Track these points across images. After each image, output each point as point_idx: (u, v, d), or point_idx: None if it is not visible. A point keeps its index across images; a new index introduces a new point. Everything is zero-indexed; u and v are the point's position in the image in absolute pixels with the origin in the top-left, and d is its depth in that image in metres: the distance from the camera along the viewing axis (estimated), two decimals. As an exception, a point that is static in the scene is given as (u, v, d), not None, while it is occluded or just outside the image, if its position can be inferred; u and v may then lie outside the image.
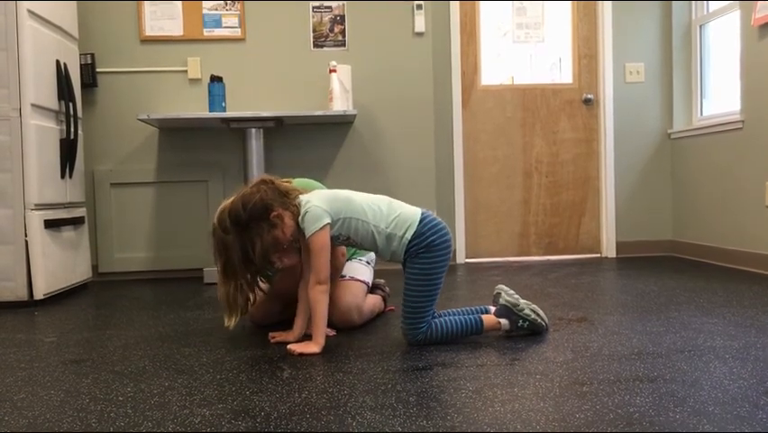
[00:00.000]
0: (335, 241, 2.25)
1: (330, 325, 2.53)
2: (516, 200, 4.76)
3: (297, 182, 2.55)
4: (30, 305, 3.30)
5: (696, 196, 4.51)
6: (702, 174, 4.42)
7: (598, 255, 4.81)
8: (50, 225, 3.45)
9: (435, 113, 4.58)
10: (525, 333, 2.36)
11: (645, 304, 2.94)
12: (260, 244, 2.16)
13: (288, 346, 2.22)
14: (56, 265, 3.50)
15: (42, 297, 3.34)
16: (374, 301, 2.76)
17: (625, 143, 4.76)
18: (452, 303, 2.94)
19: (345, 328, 2.54)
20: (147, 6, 4.34)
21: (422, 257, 2.23)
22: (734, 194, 4.07)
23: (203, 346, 2.36)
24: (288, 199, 2.21)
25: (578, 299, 3.12)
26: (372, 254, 2.84)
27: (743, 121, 3.94)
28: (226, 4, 4.40)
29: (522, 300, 2.39)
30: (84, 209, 3.98)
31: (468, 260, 4.68)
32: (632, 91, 4.76)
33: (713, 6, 4.53)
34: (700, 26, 4.65)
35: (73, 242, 3.75)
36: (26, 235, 3.30)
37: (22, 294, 3.31)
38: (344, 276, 2.70)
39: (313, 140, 4.46)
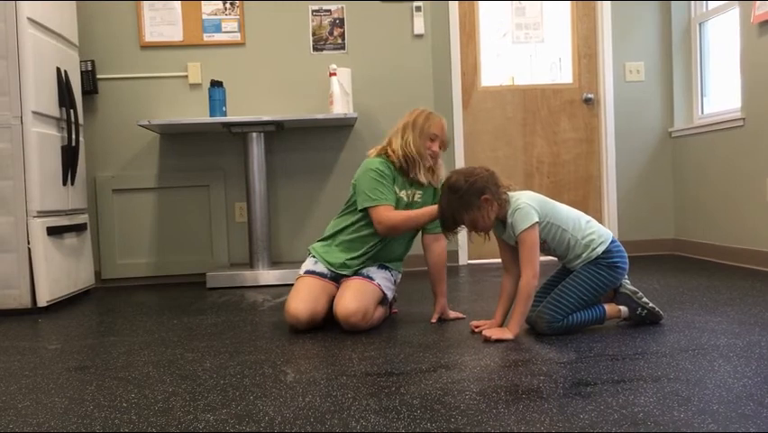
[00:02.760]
0: None
1: (336, 319, 2.55)
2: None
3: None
4: (33, 312, 3.30)
5: (698, 194, 4.51)
6: (704, 172, 4.41)
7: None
8: (53, 232, 3.45)
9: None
10: (641, 321, 2.47)
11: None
12: (464, 216, 2.31)
13: (484, 333, 2.33)
14: (59, 272, 3.50)
15: (45, 304, 3.34)
16: (383, 311, 2.72)
17: (626, 143, 4.76)
18: (454, 304, 2.93)
19: (349, 331, 2.54)
20: (146, 12, 4.35)
21: (602, 270, 2.37)
22: (736, 191, 4.06)
23: (206, 352, 2.36)
24: (499, 190, 2.33)
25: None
26: (399, 275, 2.84)
27: (744, 118, 3.93)
28: (225, 8, 4.40)
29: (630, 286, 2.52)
30: (86, 216, 3.99)
31: (470, 261, 4.68)
32: (632, 90, 4.76)
33: (712, 4, 4.53)
34: (700, 24, 4.65)
35: (76, 248, 3.76)
36: (29, 243, 3.31)
37: (25, 301, 3.31)
38: (370, 278, 2.66)
39: (314, 143, 4.46)
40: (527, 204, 2.32)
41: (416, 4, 4.49)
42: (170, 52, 4.39)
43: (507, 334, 2.31)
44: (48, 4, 3.54)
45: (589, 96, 4.78)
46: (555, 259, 2.52)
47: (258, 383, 1.93)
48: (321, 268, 2.72)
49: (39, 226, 3.34)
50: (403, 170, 2.69)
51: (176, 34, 4.39)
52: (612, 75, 4.74)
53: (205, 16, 4.40)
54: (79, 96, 3.92)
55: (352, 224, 2.73)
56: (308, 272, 2.72)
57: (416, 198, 2.71)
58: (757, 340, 2.20)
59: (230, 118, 4.07)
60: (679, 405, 1.60)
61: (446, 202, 2.34)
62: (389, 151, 2.70)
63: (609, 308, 2.45)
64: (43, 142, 3.42)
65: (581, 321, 2.39)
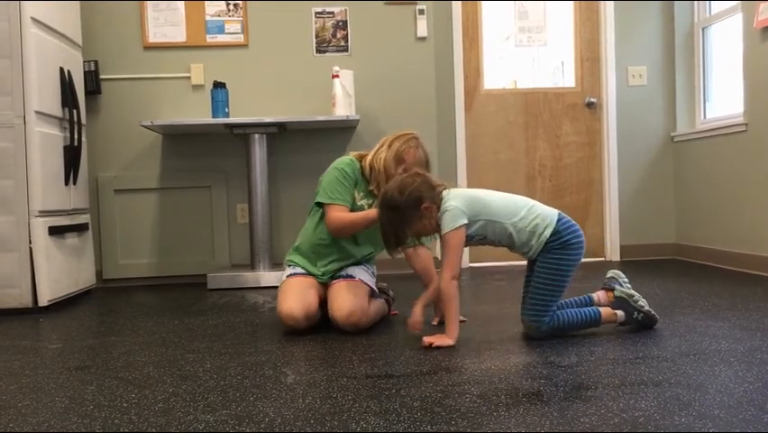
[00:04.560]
0: (471, 240, 2.36)
1: (335, 323, 2.56)
2: (519, 204, 4.74)
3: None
4: (34, 312, 3.30)
5: (699, 198, 4.50)
6: (706, 177, 4.41)
7: (602, 259, 4.79)
8: (55, 231, 3.45)
9: (438, 117, 4.59)
10: (637, 325, 2.45)
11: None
12: (408, 229, 2.31)
13: (424, 339, 2.30)
14: (60, 272, 3.50)
15: (47, 303, 3.35)
16: (379, 305, 2.76)
17: (628, 147, 4.75)
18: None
19: (351, 332, 2.53)
20: (150, 13, 4.36)
21: (556, 253, 2.33)
22: (738, 196, 4.06)
23: (207, 352, 2.36)
24: (435, 193, 2.32)
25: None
26: (374, 267, 2.87)
27: (746, 123, 3.93)
28: (229, 10, 4.41)
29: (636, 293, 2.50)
30: (88, 216, 3.99)
31: (472, 264, 4.68)
32: (635, 94, 4.76)
33: (715, 9, 4.53)
34: (703, 29, 4.64)
35: (77, 248, 3.76)
36: (30, 242, 3.31)
37: (26, 301, 3.31)
38: (354, 277, 2.71)
39: (316, 145, 4.46)
40: (455, 206, 2.29)
41: (419, 6, 4.50)
42: (173, 53, 4.40)
43: (446, 340, 2.28)
44: (51, 4, 3.55)
45: (592, 99, 4.78)
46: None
47: (258, 385, 1.93)
48: (301, 270, 2.77)
49: (40, 226, 3.35)
50: (367, 178, 2.71)
51: (179, 35, 4.39)
52: (615, 79, 4.74)
53: (208, 17, 4.41)
54: (82, 96, 3.93)
55: (315, 227, 2.77)
56: (291, 275, 2.76)
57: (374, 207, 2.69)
58: (759, 345, 2.19)
59: (232, 119, 4.07)
60: (680, 409, 1.59)
61: (387, 220, 2.31)
62: (367, 157, 2.73)
63: (605, 311, 2.43)
64: (46, 141, 3.42)
65: (574, 322, 2.38)
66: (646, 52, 4.76)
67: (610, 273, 2.57)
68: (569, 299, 2.52)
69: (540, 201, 2.42)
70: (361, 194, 2.73)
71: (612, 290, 2.51)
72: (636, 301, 2.44)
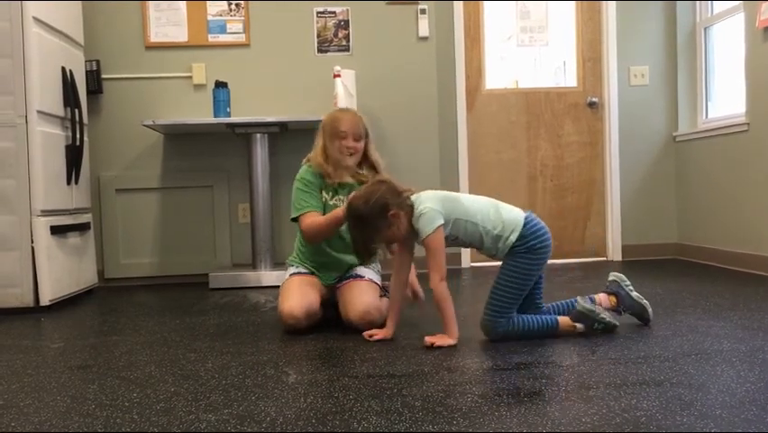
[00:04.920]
0: (444, 240, 2.34)
1: (350, 324, 2.56)
2: (520, 204, 4.59)
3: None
4: (36, 311, 3.31)
5: (701, 198, 4.50)
6: (707, 176, 4.40)
7: (604, 259, 4.79)
8: (56, 231, 3.46)
9: (440, 117, 4.58)
10: (599, 332, 2.43)
11: (651, 307, 2.92)
12: (377, 238, 2.32)
13: (426, 339, 2.31)
14: (62, 271, 3.50)
15: (48, 303, 3.35)
16: (385, 304, 2.76)
17: (629, 146, 4.75)
18: (455, 307, 2.92)
19: (365, 328, 2.52)
20: (152, 13, 4.36)
21: (521, 257, 2.33)
22: (739, 196, 4.05)
23: (208, 352, 2.36)
24: (401, 199, 2.32)
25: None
26: (378, 265, 2.88)
27: (748, 123, 3.92)
28: (231, 9, 4.41)
29: (634, 293, 2.51)
30: (90, 215, 3.99)
31: (473, 264, 4.68)
32: (636, 94, 4.75)
33: (717, 9, 4.52)
34: (705, 29, 4.64)
35: (79, 248, 3.76)
36: (32, 242, 3.31)
37: (28, 300, 3.31)
38: (363, 276, 2.72)
39: (317, 145, 4.46)
40: (430, 208, 2.29)
41: (420, 6, 4.50)
42: (175, 53, 4.40)
43: (448, 340, 2.29)
44: (53, 4, 3.55)
45: (594, 99, 4.78)
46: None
47: (260, 384, 1.93)
48: (304, 269, 2.79)
49: (42, 225, 3.35)
50: (324, 176, 2.73)
51: (181, 35, 4.40)
52: (617, 79, 4.73)
53: (210, 17, 4.41)
54: (84, 95, 3.93)
55: (299, 244, 2.84)
56: (293, 274, 2.78)
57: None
58: (761, 345, 2.19)
59: (234, 119, 4.07)
60: (681, 409, 1.59)
61: (356, 231, 2.33)
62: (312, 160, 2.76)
63: (563, 321, 2.41)
64: (48, 141, 3.42)
65: (531, 328, 2.36)
66: (648, 52, 4.75)
67: (613, 276, 2.56)
68: (569, 300, 2.52)
69: (541, 201, 2.40)
70: (330, 194, 2.74)
71: (615, 294, 2.51)
72: (598, 315, 2.39)
